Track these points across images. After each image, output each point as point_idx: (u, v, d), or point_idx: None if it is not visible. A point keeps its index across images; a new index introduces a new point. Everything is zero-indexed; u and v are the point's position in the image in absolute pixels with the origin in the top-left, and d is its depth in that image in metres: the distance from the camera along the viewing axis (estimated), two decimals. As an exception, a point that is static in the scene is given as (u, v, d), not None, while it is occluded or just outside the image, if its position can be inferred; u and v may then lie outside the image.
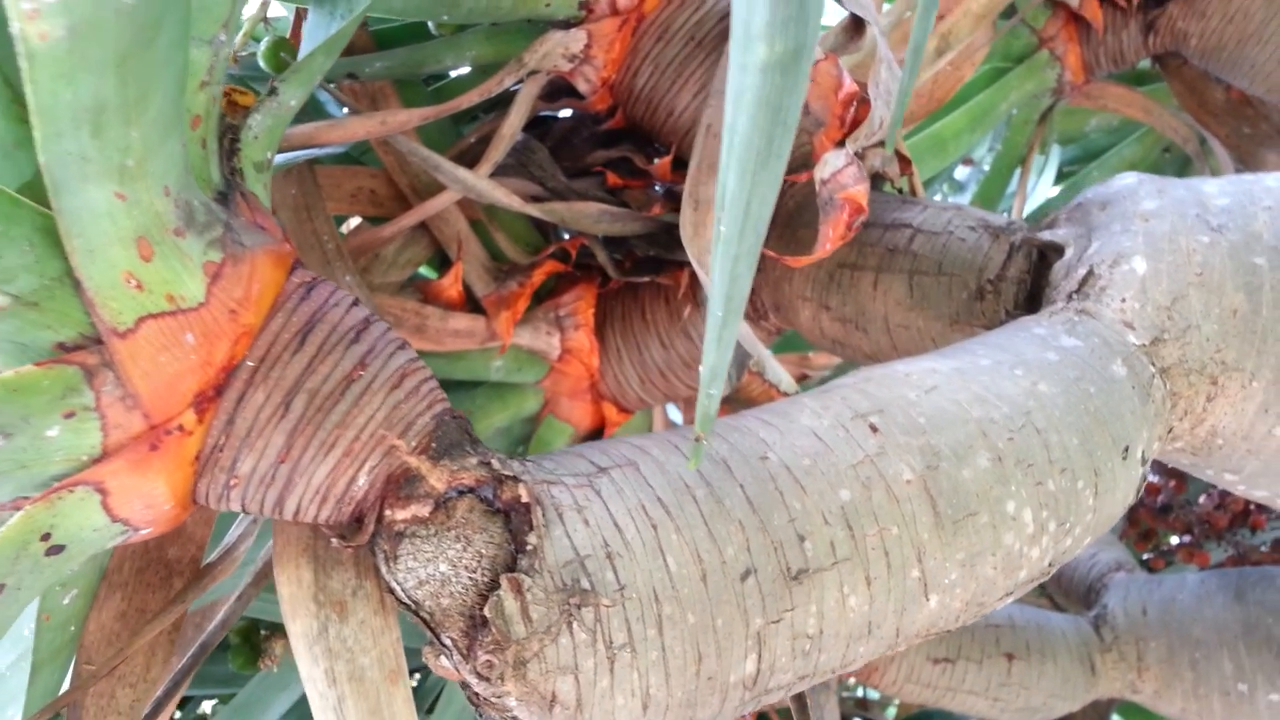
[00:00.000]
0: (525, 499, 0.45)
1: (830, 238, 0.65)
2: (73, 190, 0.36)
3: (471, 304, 0.96)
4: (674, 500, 0.48)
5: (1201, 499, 1.62)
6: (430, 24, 0.92)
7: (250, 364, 0.43)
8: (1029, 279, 0.74)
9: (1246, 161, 1.27)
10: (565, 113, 1.04)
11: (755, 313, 0.93)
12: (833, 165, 0.66)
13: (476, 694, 0.46)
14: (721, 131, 0.77)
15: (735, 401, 0.62)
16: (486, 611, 0.43)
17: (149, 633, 0.54)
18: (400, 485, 0.46)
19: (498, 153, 0.88)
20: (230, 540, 0.60)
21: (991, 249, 0.77)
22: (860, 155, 0.81)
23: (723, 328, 0.40)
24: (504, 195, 0.85)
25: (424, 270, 1.00)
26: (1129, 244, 0.64)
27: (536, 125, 1.02)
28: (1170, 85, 1.31)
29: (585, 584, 0.44)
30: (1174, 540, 1.69)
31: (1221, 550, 1.61)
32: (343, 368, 0.45)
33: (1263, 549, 1.69)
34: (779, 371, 0.61)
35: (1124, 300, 0.62)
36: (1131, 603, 1.22)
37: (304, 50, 0.55)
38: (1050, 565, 0.56)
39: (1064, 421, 0.55)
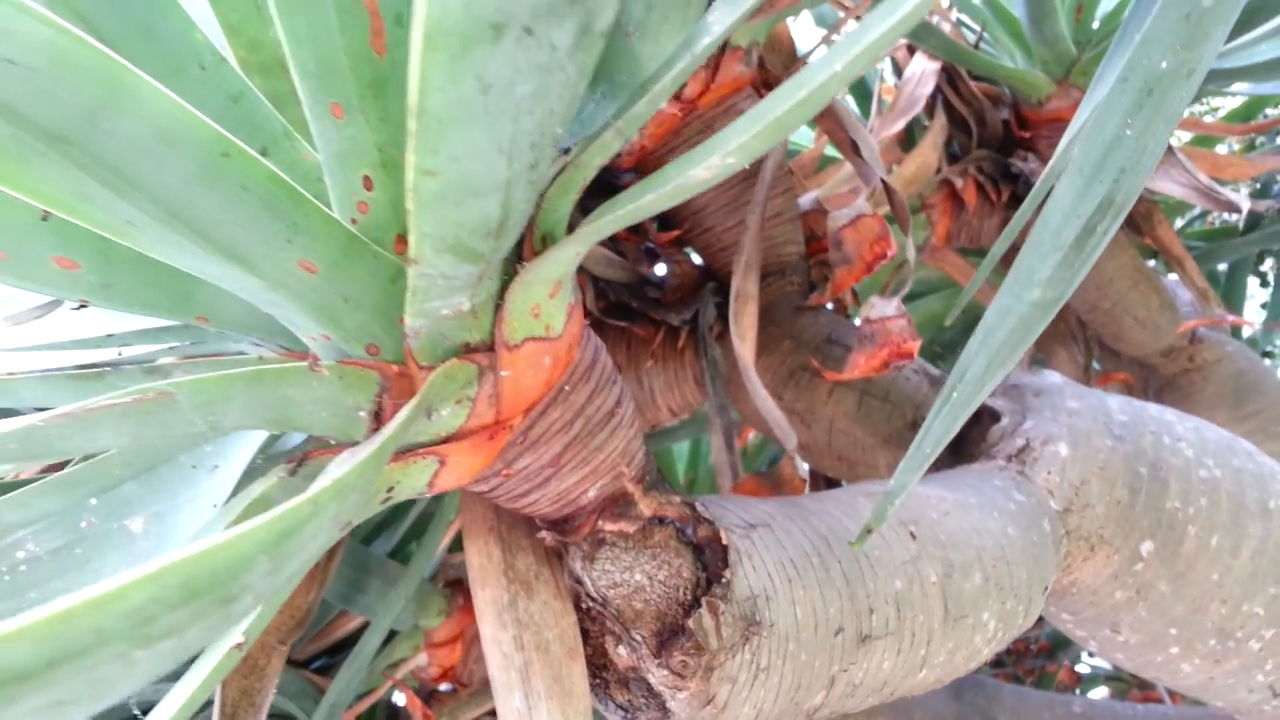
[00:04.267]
0: (724, 541, 0.58)
1: (860, 366, 0.81)
2: (566, 246, 0.45)
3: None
4: (800, 562, 0.62)
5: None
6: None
7: (566, 388, 0.53)
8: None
9: (1040, 348, 1.58)
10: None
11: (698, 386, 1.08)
12: (881, 310, 0.82)
13: (639, 681, 0.57)
14: (755, 236, 0.91)
15: (771, 479, 0.76)
16: (690, 623, 0.55)
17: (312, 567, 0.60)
18: (617, 504, 0.58)
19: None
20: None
21: (930, 392, 0.96)
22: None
23: (925, 460, 0.55)
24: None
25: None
26: (1056, 430, 0.85)
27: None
28: (1002, 270, 1.60)
29: (757, 616, 0.57)
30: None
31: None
32: (608, 403, 0.56)
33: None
34: (800, 464, 0.77)
35: (1049, 473, 0.83)
36: None
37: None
38: (985, 661, 0.75)
39: (1020, 559, 0.74)
